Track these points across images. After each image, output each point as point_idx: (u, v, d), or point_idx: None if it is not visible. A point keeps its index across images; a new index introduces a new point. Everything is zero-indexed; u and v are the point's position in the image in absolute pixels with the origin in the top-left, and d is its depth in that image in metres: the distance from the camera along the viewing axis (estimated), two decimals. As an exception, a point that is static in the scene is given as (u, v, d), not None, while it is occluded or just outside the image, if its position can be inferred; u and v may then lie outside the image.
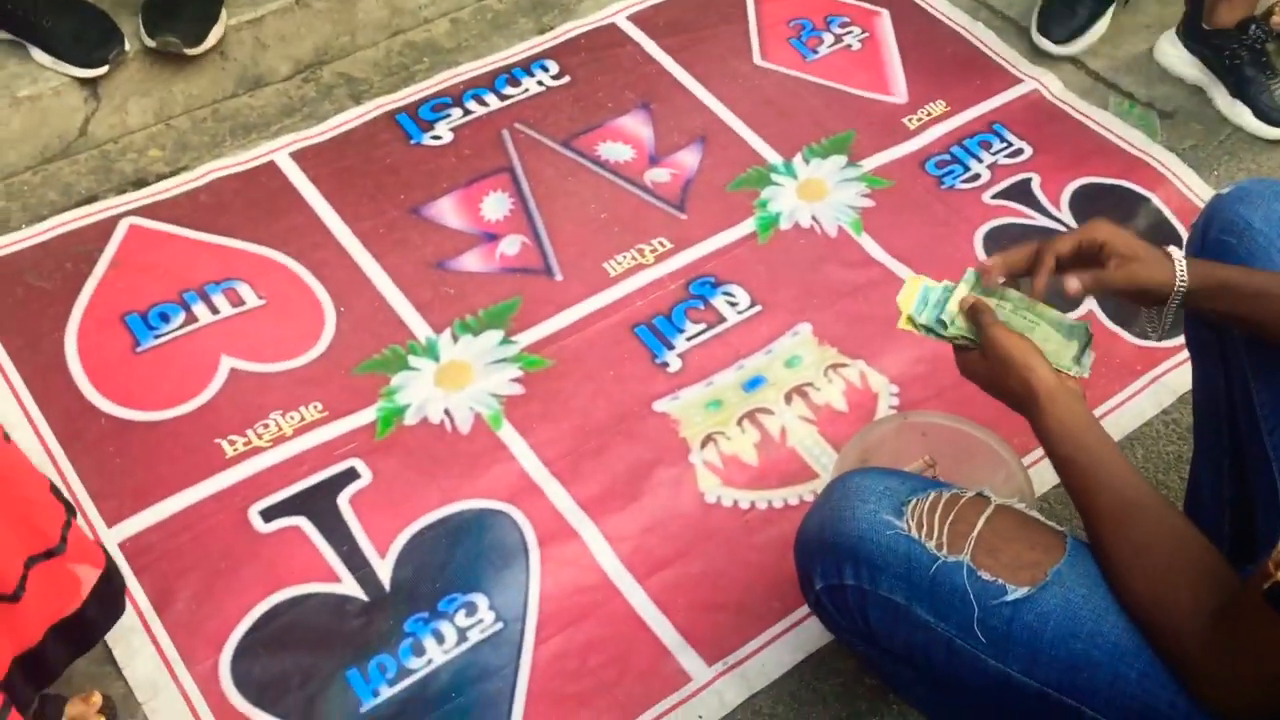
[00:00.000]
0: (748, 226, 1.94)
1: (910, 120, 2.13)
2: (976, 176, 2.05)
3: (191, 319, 1.75)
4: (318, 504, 1.57)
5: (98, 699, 1.36)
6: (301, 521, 1.56)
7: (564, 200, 1.96)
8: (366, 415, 1.67)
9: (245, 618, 1.47)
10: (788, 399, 1.73)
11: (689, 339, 1.79)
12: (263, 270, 1.82)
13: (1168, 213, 2.02)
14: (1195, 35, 2.18)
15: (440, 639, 1.47)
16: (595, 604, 1.52)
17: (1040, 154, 2.09)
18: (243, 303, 1.78)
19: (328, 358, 1.73)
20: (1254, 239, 1.22)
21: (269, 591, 1.49)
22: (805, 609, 1.48)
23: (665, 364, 1.76)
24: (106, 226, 1.85)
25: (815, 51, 2.24)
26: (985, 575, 1.07)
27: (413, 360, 1.73)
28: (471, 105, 2.08)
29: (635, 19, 2.25)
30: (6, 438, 1.17)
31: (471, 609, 1.50)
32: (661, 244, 1.91)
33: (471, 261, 1.86)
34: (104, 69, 1.90)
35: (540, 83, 2.13)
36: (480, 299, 1.81)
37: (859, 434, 1.56)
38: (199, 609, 1.47)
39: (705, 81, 2.15)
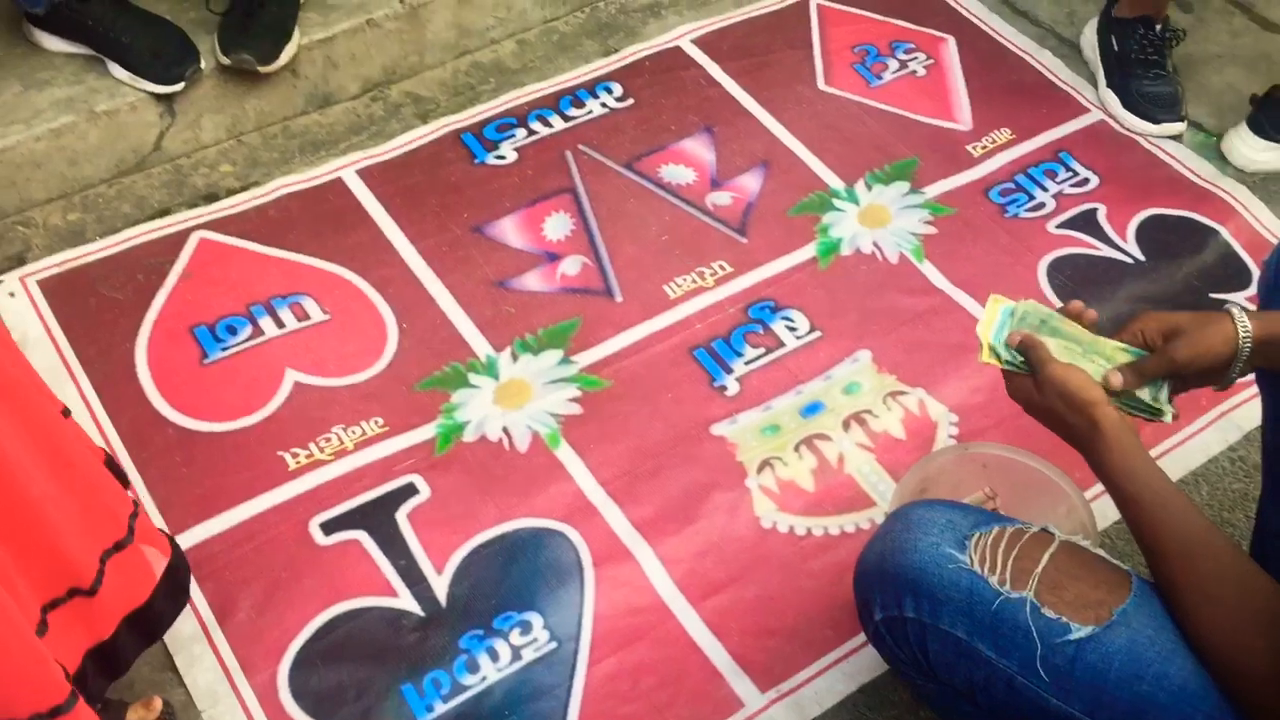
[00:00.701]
0: (809, 251, 1.94)
1: (974, 148, 2.12)
2: (1041, 205, 2.03)
3: (258, 332, 1.78)
4: (377, 518, 1.59)
5: (158, 705, 1.38)
6: (361, 535, 1.58)
7: (625, 222, 1.97)
8: (426, 431, 1.68)
9: (304, 629, 1.49)
10: (845, 426, 1.72)
11: (747, 363, 1.79)
12: (328, 286, 1.85)
13: (1237, 246, 1.99)
14: (1106, 22, 2.21)
15: (495, 656, 1.48)
16: (649, 626, 1.52)
17: (1106, 184, 2.07)
18: (308, 317, 1.80)
19: (389, 373, 1.75)
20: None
21: (328, 604, 1.51)
22: (860, 637, 1.47)
23: (723, 387, 1.76)
24: (178, 240, 1.89)
25: (880, 77, 2.24)
26: (1049, 613, 1.06)
27: (473, 378, 1.75)
28: (536, 126, 2.10)
29: (700, 43, 2.26)
30: (66, 414, 1.19)
31: (526, 627, 1.50)
32: (722, 267, 1.91)
33: (533, 281, 1.88)
34: (180, 86, 1.94)
35: (604, 104, 2.15)
36: (540, 318, 1.83)
37: (919, 464, 1.55)
38: (259, 619, 1.50)
39: (768, 106, 2.16)
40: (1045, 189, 2.06)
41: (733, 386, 1.76)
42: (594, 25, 2.31)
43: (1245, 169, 2.11)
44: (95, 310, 1.79)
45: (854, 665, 1.49)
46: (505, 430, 1.69)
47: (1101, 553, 1.12)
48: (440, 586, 1.54)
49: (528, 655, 1.48)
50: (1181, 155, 2.12)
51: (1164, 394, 1.17)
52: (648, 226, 1.96)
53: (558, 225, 1.96)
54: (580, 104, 2.15)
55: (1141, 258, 1.96)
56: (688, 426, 1.71)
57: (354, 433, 1.67)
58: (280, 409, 1.69)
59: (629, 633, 1.51)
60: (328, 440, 1.66)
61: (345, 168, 2.01)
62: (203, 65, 1.96)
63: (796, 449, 1.70)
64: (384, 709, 1.43)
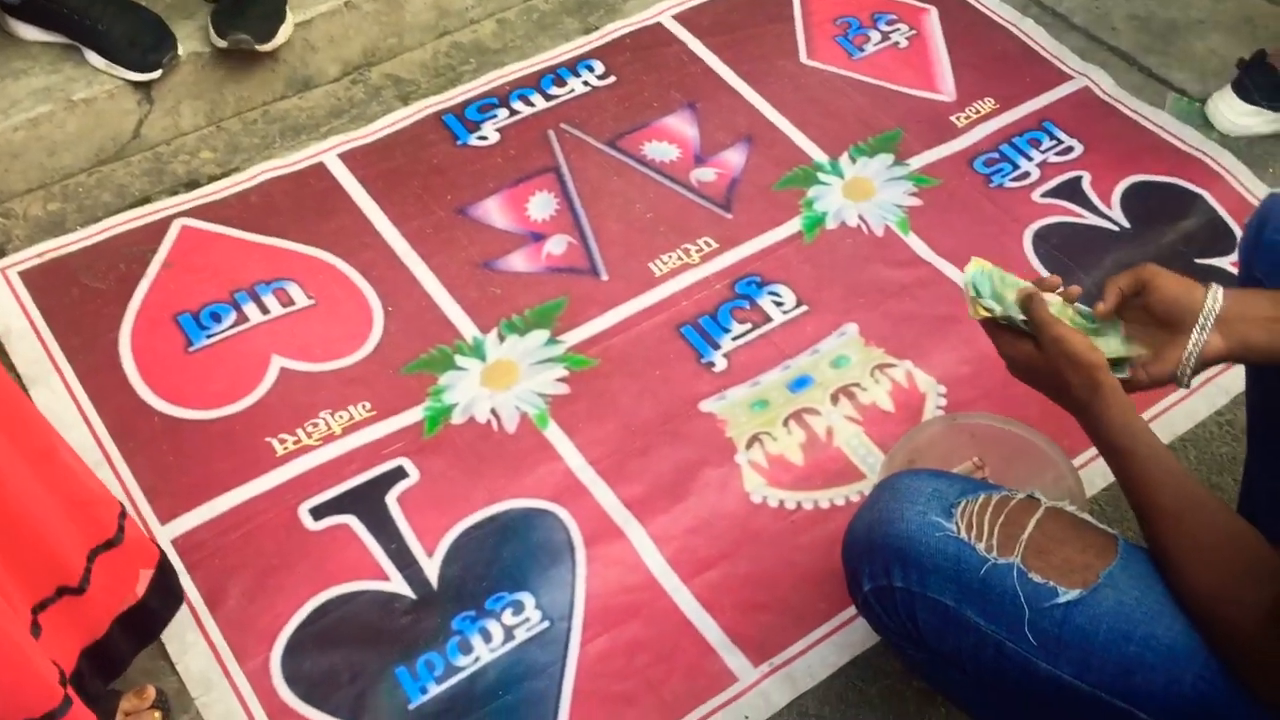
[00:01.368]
0: (794, 226, 1.94)
1: (958, 118, 2.12)
2: (1026, 175, 2.03)
3: (242, 319, 1.77)
4: (366, 502, 1.59)
5: (151, 693, 1.38)
6: (350, 520, 1.57)
7: (609, 200, 1.96)
8: (414, 414, 1.68)
9: (296, 614, 1.49)
10: (834, 399, 1.72)
11: (735, 339, 1.79)
12: (312, 270, 1.84)
13: (1221, 211, 1.99)
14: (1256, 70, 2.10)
15: (488, 637, 1.48)
16: (641, 604, 1.52)
17: (1091, 152, 2.07)
18: (292, 303, 1.80)
19: (376, 357, 1.74)
20: (1312, 237, 1.20)
21: (319, 589, 1.51)
22: (852, 610, 1.48)
23: (711, 364, 1.76)
24: (159, 228, 1.88)
25: (862, 49, 2.23)
26: (1036, 577, 1.06)
27: (460, 360, 1.74)
28: (518, 106, 2.09)
29: (681, 18, 2.25)
30: (52, 428, 1.19)
31: (518, 608, 1.50)
32: (707, 244, 1.90)
33: (518, 261, 1.87)
34: (158, 73, 1.92)
35: (586, 83, 2.14)
36: (526, 299, 1.82)
37: (907, 435, 1.55)
38: (250, 605, 1.49)
39: (751, 80, 2.15)
40: (1030, 158, 2.05)
41: (720, 363, 1.76)
42: (574, 3, 2.29)
43: (1229, 133, 2.10)
44: (78, 300, 1.78)
45: (846, 637, 1.49)
46: (493, 411, 1.69)
47: (1088, 517, 1.12)
48: (431, 569, 1.53)
49: (520, 635, 1.48)
50: (1165, 122, 2.12)
51: (1128, 346, 1.17)
52: (632, 204, 1.96)
53: (542, 205, 1.95)
54: (562, 82, 2.13)
55: (1127, 225, 1.96)
56: (676, 404, 1.71)
57: (342, 417, 1.67)
58: (267, 395, 1.69)
59: (621, 611, 1.51)
60: (315, 425, 1.66)
61: (327, 152, 2.00)
62: (180, 51, 1.95)
63: (785, 424, 1.69)
64: (378, 692, 1.43)
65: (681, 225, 1.93)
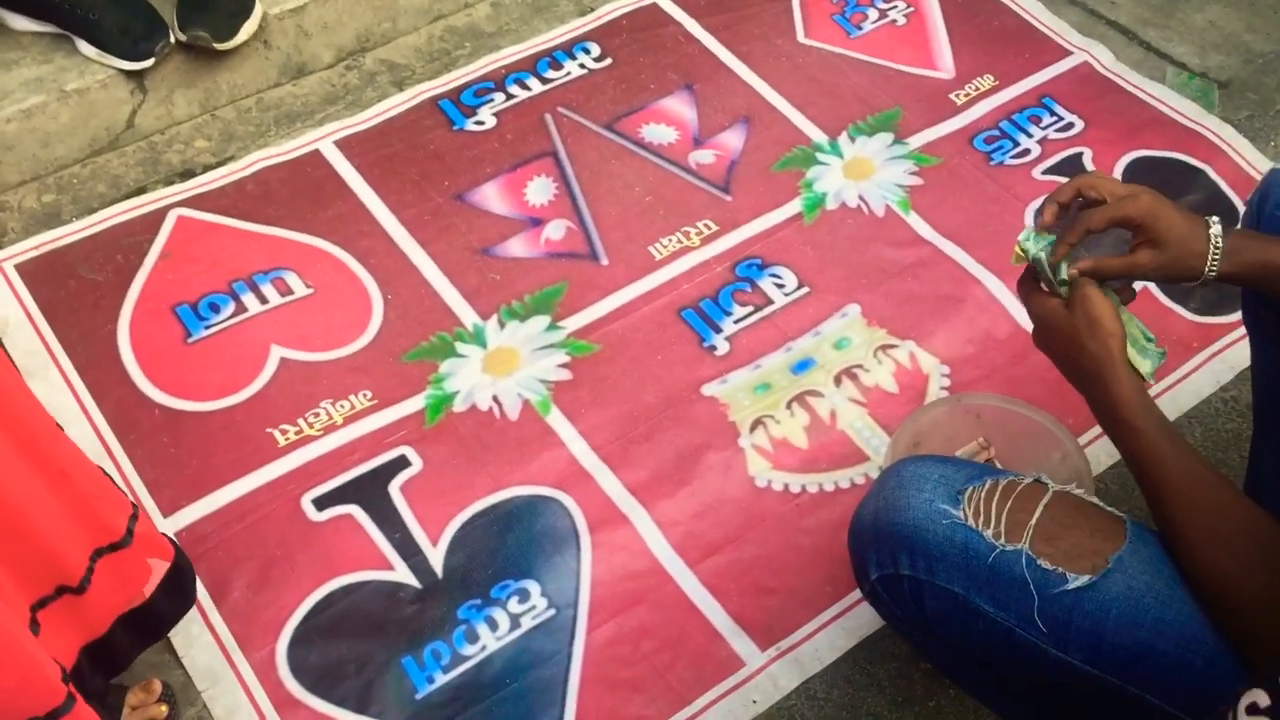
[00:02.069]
0: (794, 207, 1.92)
1: (958, 96, 2.10)
2: (1026, 152, 2.02)
3: (241, 309, 1.76)
4: (369, 492, 1.58)
5: (157, 687, 1.38)
6: (354, 510, 1.57)
7: (608, 184, 1.95)
8: (415, 403, 1.67)
9: (301, 606, 1.48)
10: (837, 381, 1.72)
11: (736, 322, 1.78)
12: (310, 259, 1.83)
13: (1224, 186, 1.98)
14: None
15: (494, 626, 1.48)
16: (647, 590, 1.52)
17: (1092, 128, 2.05)
18: (291, 292, 1.79)
19: (376, 346, 1.74)
20: (1315, 212, 1.19)
21: (323, 579, 1.50)
22: (858, 593, 1.47)
23: (713, 347, 1.75)
24: (155, 218, 1.87)
25: (859, 28, 2.21)
26: (1045, 564, 1.05)
27: (460, 347, 1.74)
28: (514, 89, 2.08)
29: (677, -2, 2.23)
30: (59, 430, 1.19)
31: (524, 595, 1.50)
32: (707, 226, 1.89)
33: (517, 247, 1.86)
34: (150, 61, 1.90)
35: (582, 65, 2.12)
36: (526, 284, 1.81)
37: (911, 417, 1.55)
38: (255, 597, 1.49)
39: (748, 61, 2.13)
40: (1030, 135, 2.04)
41: (722, 346, 1.75)
42: (569, -16, 2.27)
43: None
44: (75, 292, 1.77)
45: (853, 620, 1.49)
46: (495, 399, 1.68)
47: (1095, 500, 1.11)
48: (436, 558, 1.53)
49: (526, 623, 1.48)
50: (1166, 96, 2.11)
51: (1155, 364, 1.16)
52: (631, 188, 1.95)
53: (540, 189, 1.94)
54: (558, 65, 2.12)
55: (1129, 201, 1.95)
56: (678, 388, 1.70)
57: (343, 407, 1.66)
58: (267, 386, 1.68)
59: (627, 597, 1.51)
60: (316, 415, 1.65)
61: (322, 139, 1.99)
62: (173, 40, 1.93)
63: (788, 406, 1.69)
64: (385, 682, 1.43)
65: (681, 208, 1.92)
